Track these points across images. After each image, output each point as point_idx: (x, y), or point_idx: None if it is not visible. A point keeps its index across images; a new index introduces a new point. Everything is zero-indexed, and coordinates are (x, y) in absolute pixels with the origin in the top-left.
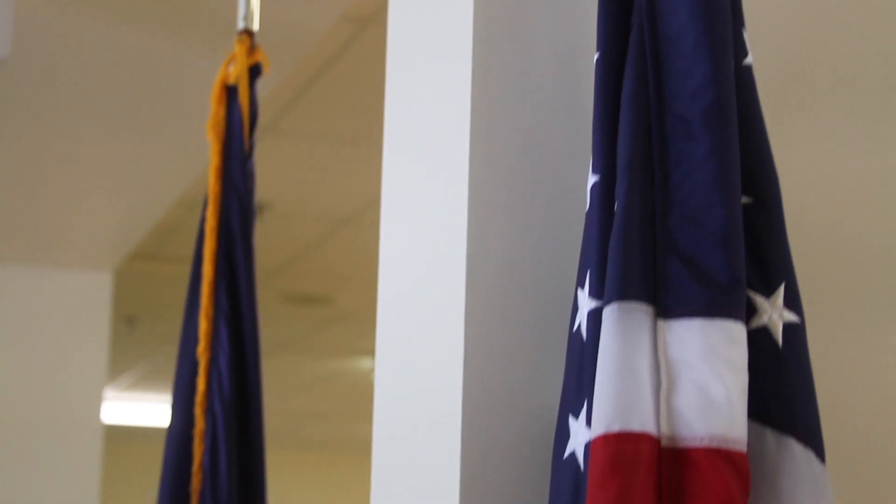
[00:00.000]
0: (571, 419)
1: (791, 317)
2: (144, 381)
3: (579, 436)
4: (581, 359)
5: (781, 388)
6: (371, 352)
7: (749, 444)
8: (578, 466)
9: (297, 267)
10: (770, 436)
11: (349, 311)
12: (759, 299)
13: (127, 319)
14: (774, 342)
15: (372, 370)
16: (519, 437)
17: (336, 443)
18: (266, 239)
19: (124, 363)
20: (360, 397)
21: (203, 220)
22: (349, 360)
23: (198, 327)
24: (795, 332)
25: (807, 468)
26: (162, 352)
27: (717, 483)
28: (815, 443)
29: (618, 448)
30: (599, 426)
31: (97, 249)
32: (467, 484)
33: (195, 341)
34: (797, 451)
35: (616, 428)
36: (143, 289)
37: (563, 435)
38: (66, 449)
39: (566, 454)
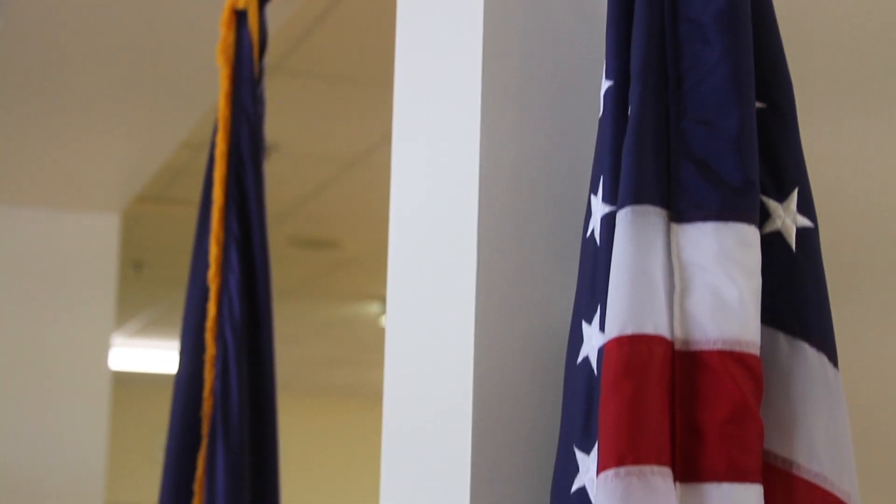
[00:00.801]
0: (584, 324)
1: (804, 221)
2: (151, 328)
3: (592, 340)
4: (594, 264)
5: (794, 293)
6: (379, 297)
7: (762, 348)
8: (592, 371)
9: (303, 210)
10: (783, 340)
11: (356, 254)
12: (772, 204)
13: (134, 264)
14: (788, 246)
15: (380, 315)
16: (532, 345)
17: (343, 389)
18: (272, 182)
19: (131, 309)
20: (368, 343)
21: (213, 145)
22: (356, 305)
23: (208, 253)
24: (809, 237)
25: (820, 372)
26: (169, 298)
27: (730, 385)
28: (827, 347)
29: (631, 350)
30: (613, 329)
31: (104, 191)
32: (480, 395)
33: (206, 267)
34: (810, 355)
35: (630, 330)
36: (150, 233)
37: (576, 340)
38: (74, 395)
39: (579, 359)
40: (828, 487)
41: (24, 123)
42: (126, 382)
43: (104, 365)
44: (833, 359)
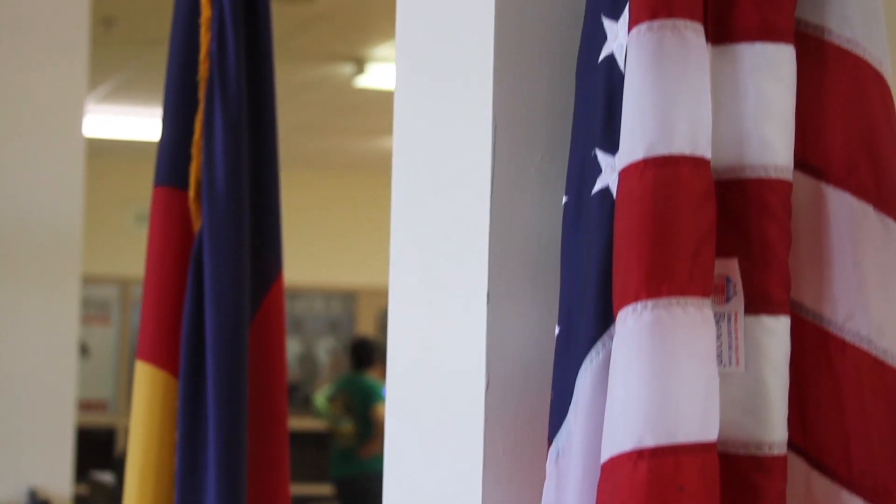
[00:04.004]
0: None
1: None
2: (122, 92)
3: None
4: None
5: None
6: (353, 57)
7: None
8: None
9: None
10: None
11: (329, 9)
12: None
13: (104, 21)
14: None
15: (353, 76)
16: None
17: (315, 159)
18: None
19: (101, 71)
20: (342, 108)
21: None
22: (329, 67)
23: None
24: None
25: None
26: (142, 58)
27: None
28: None
29: None
30: None
31: None
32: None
33: None
34: None
35: None
36: None
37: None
38: (47, 161)
39: None
40: (859, 53)
41: None
42: (98, 151)
43: (78, 129)
44: None
